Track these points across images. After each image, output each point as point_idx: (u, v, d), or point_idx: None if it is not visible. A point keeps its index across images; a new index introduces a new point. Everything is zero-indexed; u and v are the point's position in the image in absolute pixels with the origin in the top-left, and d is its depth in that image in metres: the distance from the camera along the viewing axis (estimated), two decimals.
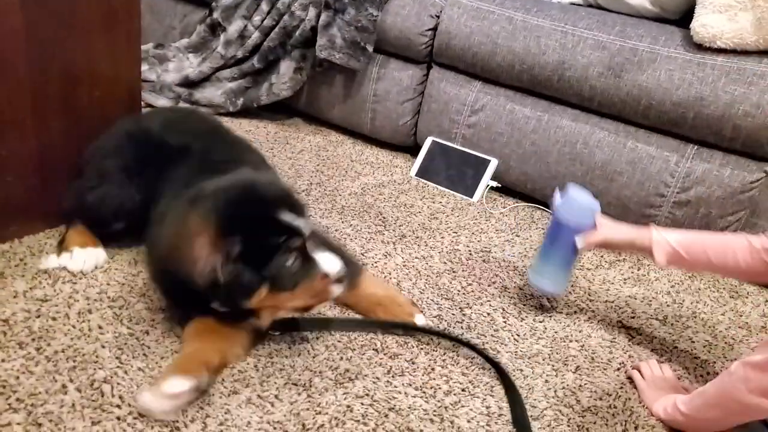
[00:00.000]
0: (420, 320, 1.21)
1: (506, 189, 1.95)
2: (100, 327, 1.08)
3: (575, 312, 1.36)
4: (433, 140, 2.02)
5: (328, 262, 1.04)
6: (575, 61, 1.72)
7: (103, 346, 1.03)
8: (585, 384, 1.13)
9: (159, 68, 2.27)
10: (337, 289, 1.05)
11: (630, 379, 1.17)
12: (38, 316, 1.08)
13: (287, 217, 1.01)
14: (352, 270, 1.19)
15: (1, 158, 1.20)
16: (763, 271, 1.02)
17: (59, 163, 1.30)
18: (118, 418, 0.90)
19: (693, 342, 1.31)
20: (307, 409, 0.97)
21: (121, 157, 1.27)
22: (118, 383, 0.96)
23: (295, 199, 1.07)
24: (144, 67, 2.14)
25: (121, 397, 0.94)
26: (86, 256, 1.23)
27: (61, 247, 1.25)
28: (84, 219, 1.28)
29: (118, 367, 1.00)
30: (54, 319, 1.08)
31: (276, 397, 0.99)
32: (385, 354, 1.12)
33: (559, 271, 1.28)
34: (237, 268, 0.96)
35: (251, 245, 0.97)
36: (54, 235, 1.31)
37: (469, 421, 1.00)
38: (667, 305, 1.44)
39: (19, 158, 1.23)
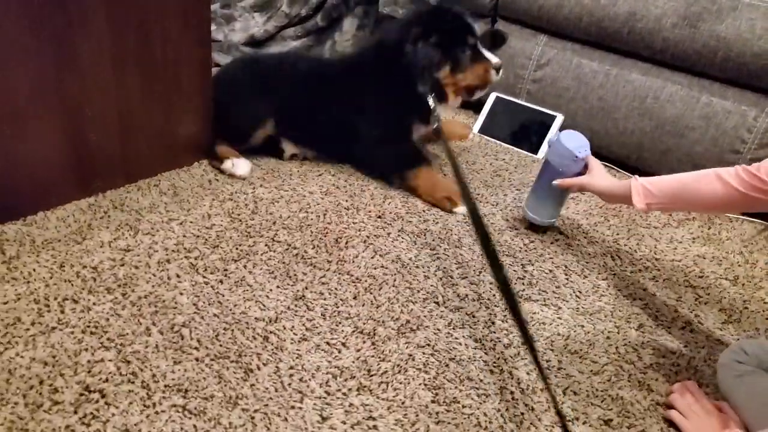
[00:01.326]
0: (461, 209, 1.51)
1: None
2: (178, 276, 1.15)
3: (640, 270, 1.34)
4: (497, 96, 1.99)
5: (492, 56, 1.53)
6: (647, 12, 1.65)
7: (181, 294, 1.10)
8: (648, 341, 1.13)
9: (226, 28, 2.32)
10: (494, 75, 1.54)
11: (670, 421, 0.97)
12: (122, 265, 1.16)
13: (469, 21, 1.52)
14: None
15: (86, 118, 1.27)
16: (737, 199, 0.97)
17: (137, 122, 1.37)
18: (197, 360, 0.97)
19: (766, 303, 1.28)
20: (372, 356, 1.01)
21: (248, 79, 1.61)
22: (196, 328, 1.03)
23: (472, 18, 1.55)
24: (212, 27, 2.19)
25: (199, 341, 1.00)
26: (243, 163, 1.52)
27: (218, 159, 1.53)
28: (227, 136, 1.57)
29: (195, 312, 1.06)
30: (136, 267, 1.16)
31: (343, 344, 1.03)
32: (446, 307, 1.15)
33: (542, 203, 1.38)
34: (432, 50, 1.48)
35: (443, 37, 1.49)
36: (133, 189, 1.39)
37: (528, 374, 1.02)
38: (739, 265, 1.40)
39: (102, 117, 1.30)
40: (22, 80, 1.16)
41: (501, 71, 1.54)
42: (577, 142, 1.31)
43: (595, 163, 1.29)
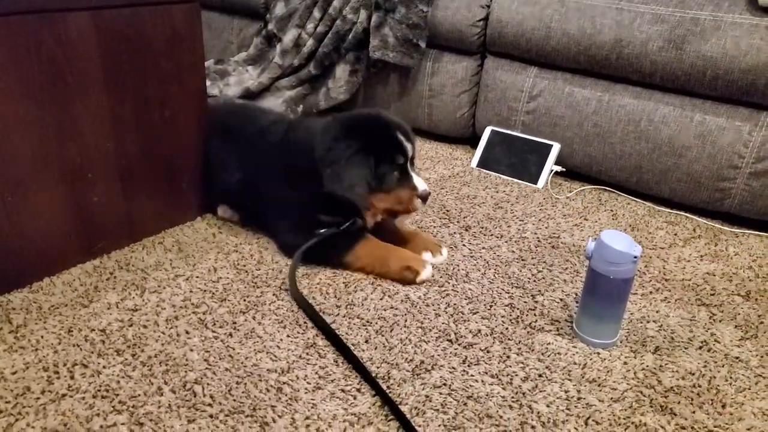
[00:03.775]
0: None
1: (571, 173, 1.92)
2: (187, 332, 1.14)
3: (651, 292, 1.33)
4: (493, 129, 2.01)
5: (419, 182, 1.35)
6: (633, 38, 1.68)
7: (192, 350, 1.09)
8: (666, 364, 1.11)
9: (221, 83, 2.36)
10: (419, 204, 1.35)
11: None
12: (131, 325, 1.15)
13: (401, 139, 1.33)
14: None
15: (88, 182, 1.29)
16: None
17: (138, 182, 1.39)
18: (211, 416, 0.95)
19: None
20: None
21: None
22: (208, 384, 1.02)
23: (408, 131, 1.38)
24: (207, 82, 2.23)
25: (212, 396, 0.99)
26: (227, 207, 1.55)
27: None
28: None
29: (206, 368, 1.05)
30: (145, 326, 1.15)
31: (358, 390, 1.02)
32: (459, 344, 1.14)
33: (606, 323, 1.14)
34: (357, 171, 1.30)
35: (370, 154, 1.31)
36: (138, 248, 1.39)
37: (548, 406, 1.00)
38: (750, 280, 1.39)
39: (103, 180, 1.32)
40: (24, 149, 1.17)
41: (428, 200, 1.37)
42: (624, 240, 1.10)
43: None
